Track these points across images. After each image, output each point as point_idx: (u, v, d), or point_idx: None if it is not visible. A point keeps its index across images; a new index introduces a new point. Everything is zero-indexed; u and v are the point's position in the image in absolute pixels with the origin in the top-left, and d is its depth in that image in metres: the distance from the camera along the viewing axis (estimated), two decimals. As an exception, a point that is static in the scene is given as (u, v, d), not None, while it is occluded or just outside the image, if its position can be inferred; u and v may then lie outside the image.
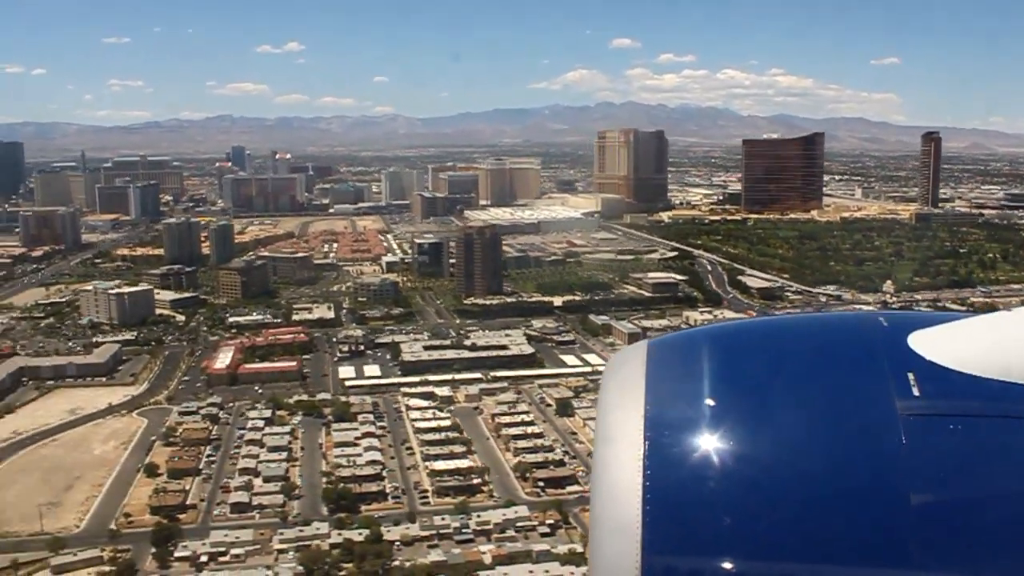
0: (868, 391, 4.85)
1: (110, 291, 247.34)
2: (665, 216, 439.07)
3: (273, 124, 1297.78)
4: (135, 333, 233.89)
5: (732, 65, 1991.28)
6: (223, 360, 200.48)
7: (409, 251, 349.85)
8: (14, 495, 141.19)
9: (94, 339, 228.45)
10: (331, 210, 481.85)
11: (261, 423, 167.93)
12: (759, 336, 5.92)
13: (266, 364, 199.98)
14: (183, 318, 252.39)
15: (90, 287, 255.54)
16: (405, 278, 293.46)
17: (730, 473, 4.59)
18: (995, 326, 5.40)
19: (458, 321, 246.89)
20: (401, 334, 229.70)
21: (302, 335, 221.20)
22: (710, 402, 4.85)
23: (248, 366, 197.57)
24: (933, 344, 5.10)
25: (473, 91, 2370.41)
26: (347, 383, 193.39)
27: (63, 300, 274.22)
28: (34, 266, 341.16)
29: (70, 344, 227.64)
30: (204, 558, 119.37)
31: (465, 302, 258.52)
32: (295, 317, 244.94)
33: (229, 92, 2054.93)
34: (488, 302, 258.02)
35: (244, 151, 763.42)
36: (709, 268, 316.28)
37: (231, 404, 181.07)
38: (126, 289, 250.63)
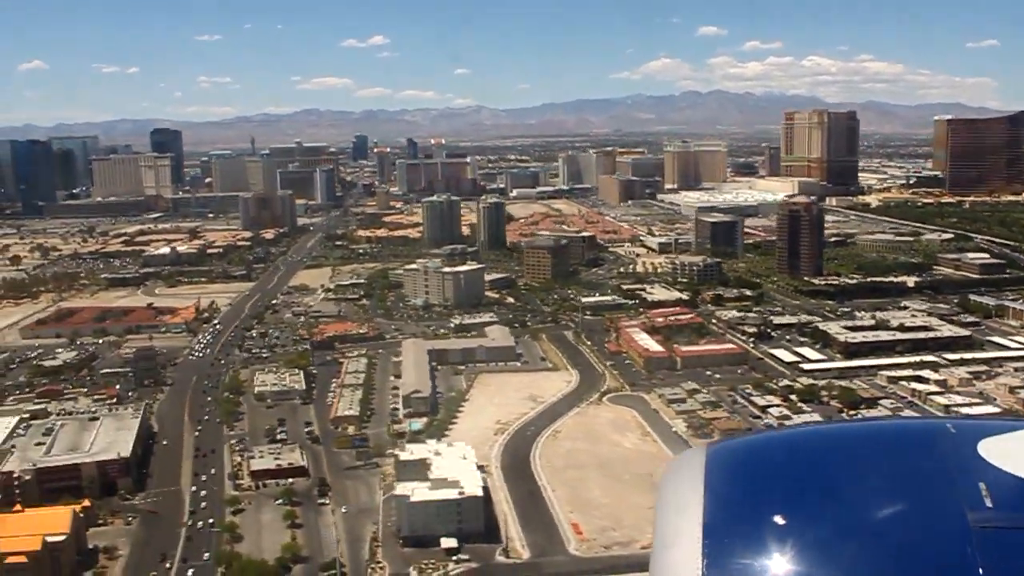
0: (938, 502, 4.53)
1: (444, 270, 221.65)
2: (871, 199, 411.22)
3: (359, 117, 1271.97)
4: (484, 314, 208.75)
5: (818, 52, 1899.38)
6: (645, 343, 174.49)
7: (657, 233, 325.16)
8: (607, 498, 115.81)
9: (460, 320, 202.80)
10: (513, 194, 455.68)
11: (784, 411, 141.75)
12: (822, 445, 5.53)
13: (705, 347, 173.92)
14: (511, 299, 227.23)
15: (416, 266, 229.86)
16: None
17: None
18: None
19: (812, 302, 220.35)
20: (785, 315, 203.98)
21: (696, 317, 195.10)
22: (771, 514, 4.55)
23: (684, 349, 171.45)
24: (1005, 452, 4.77)
25: (553, 82, 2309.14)
26: (802, 367, 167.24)
27: (362, 280, 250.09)
28: (272, 249, 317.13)
29: (430, 327, 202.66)
30: None
31: (816, 282, 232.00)
32: (647, 299, 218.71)
33: (312, 87, 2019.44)
34: (839, 282, 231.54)
35: (367, 139, 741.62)
36: (996, 250, 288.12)
37: (703, 391, 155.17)
38: (459, 268, 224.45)
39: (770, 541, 4.35)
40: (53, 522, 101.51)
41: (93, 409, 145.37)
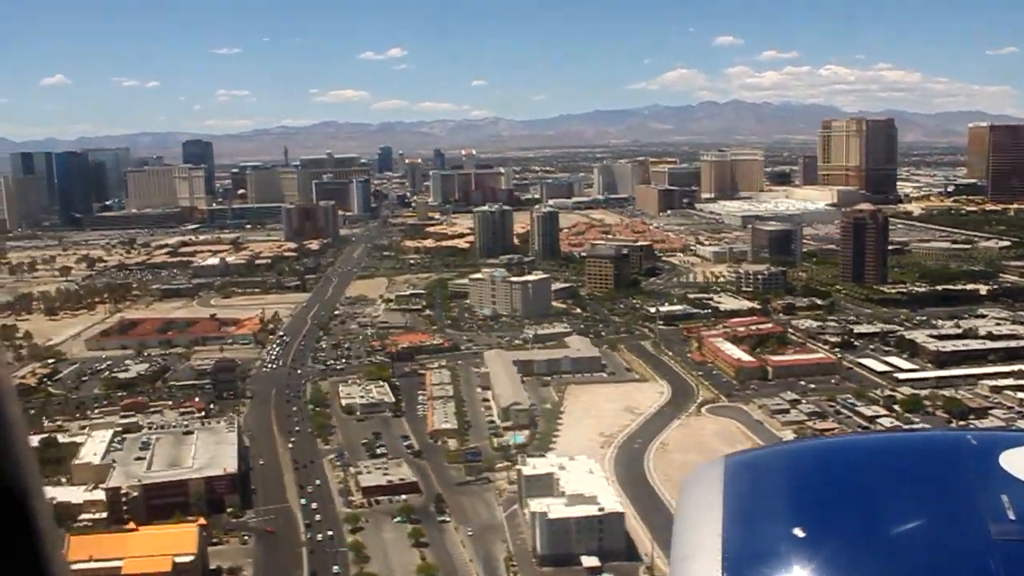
0: (960, 515, 4.46)
1: (511, 280, 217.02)
2: (913, 207, 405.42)
3: (376, 129, 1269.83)
4: (556, 324, 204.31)
5: (835, 61, 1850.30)
6: (733, 353, 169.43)
7: (705, 242, 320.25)
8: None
9: (534, 330, 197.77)
10: (548, 204, 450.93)
11: (893, 422, 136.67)
12: (842, 457, 5.53)
13: (796, 357, 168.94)
14: (578, 309, 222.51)
15: (482, 276, 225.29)
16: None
17: None
18: None
19: (884, 310, 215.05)
20: (863, 324, 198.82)
21: (776, 327, 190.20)
22: (791, 527, 4.52)
23: (775, 359, 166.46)
24: None
25: (570, 93, 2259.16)
26: (896, 376, 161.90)
27: (421, 291, 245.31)
28: (320, 260, 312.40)
29: (504, 337, 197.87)
30: None
31: (887, 290, 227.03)
32: (719, 308, 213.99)
33: (330, 99, 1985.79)
34: (910, 290, 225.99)
35: (391, 150, 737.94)
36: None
37: (803, 401, 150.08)
38: (527, 278, 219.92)
39: (790, 554, 4.30)
40: (179, 541, 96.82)
41: (185, 423, 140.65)
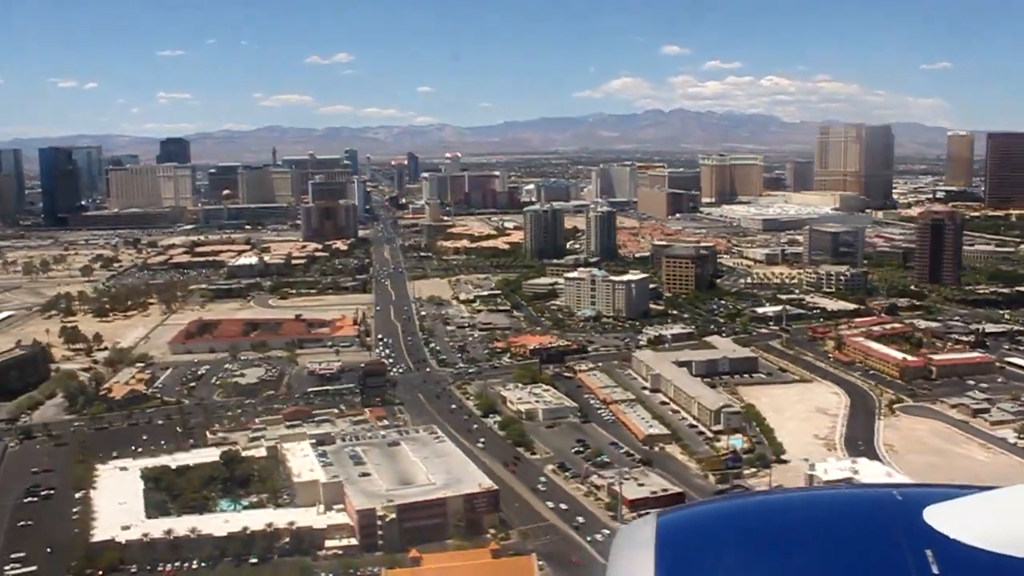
0: (886, 569, 4.56)
1: (612, 279, 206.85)
2: (913, 213, 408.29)
3: (322, 134, 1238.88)
4: (672, 324, 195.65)
5: (777, 71, 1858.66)
6: (890, 352, 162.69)
7: (738, 244, 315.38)
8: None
9: (657, 331, 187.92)
10: (547, 207, 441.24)
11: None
12: (773, 515, 5.59)
13: (958, 356, 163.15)
14: (674, 310, 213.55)
15: (580, 275, 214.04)
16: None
17: None
18: (1016, 501, 4.99)
19: (980, 311, 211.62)
20: (982, 323, 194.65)
21: (906, 326, 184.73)
22: None
23: (938, 358, 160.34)
24: (951, 519, 4.79)
25: (516, 100, 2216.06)
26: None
27: (498, 291, 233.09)
28: (360, 261, 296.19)
29: (622, 339, 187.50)
30: None
31: (981, 290, 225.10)
32: (827, 309, 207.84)
33: (274, 103, 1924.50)
34: (1000, 291, 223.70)
35: (356, 153, 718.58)
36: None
37: (998, 400, 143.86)
38: (628, 277, 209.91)
39: None
40: (518, 573, 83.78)
41: (382, 434, 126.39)
